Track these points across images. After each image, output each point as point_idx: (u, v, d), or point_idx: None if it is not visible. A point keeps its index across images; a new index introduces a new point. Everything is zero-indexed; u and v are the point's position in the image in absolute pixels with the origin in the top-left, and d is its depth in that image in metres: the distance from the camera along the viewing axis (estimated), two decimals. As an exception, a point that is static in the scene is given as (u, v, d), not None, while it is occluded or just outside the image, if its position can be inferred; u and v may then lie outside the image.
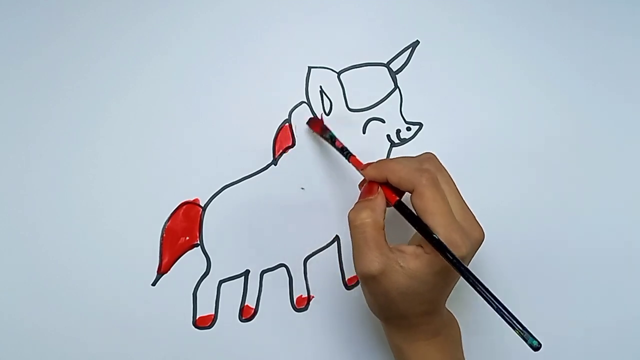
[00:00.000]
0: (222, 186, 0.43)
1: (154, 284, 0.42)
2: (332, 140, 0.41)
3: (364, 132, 0.44)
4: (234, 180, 0.43)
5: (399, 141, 0.44)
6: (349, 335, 0.44)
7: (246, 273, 0.43)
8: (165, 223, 0.42)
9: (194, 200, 0.43)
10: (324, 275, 0.44)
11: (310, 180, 0.44)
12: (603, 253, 0.46)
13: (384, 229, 0.35)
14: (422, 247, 0.35)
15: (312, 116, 0.43)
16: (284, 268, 0.44)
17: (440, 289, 0.36)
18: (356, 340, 0.44)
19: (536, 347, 0.30)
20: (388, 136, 0.44)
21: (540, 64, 0.45)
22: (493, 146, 0.45)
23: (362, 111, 0.44)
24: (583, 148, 0.46)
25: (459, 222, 0.34)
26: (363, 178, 0.39)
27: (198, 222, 0.43)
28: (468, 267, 0.35)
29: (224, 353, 0.43)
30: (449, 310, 0.39)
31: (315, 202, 0.44)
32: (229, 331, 0.43)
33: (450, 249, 0.33)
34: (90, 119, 0.42)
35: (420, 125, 0.44)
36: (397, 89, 0.44)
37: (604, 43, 0.46)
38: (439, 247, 0.33)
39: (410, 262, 0.34)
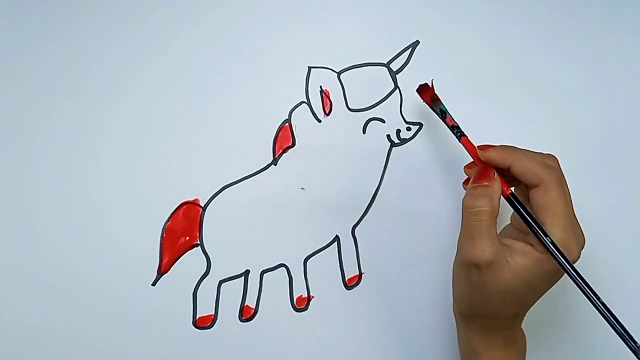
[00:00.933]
0: (222, 186, 0.43)
1: (154, 284, 0.42)
2: (443, 115, 0.40)
3: (364, 132, 0.44)
4: (234, 180, 0.43)
5: (399, 141, 0.44)
6: (349, 335, 0.44)
7: (246, 273, 0.43)
8: (165, 223, 0.42)
9: (194, 200, 0.43)
10: (324, 275, 0.44)
11: (310, 180, 0.44)
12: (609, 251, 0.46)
13: (497, 218, 0.35)
14: (531, 244, 0.34)
15: (423, 82, 0.41)
16: (284, 268, 0.44)
17: (538, 292, 0.35)
18: (356, 340, 0.44)
19: None
20: (388, 136, 0.44)
21: (540, 63, 0.45)
22: (493, 146, 0.45)
23: (362, 111, 0.44)
24: (585, 146, 0.45)
25: (574, 226, 0.34)
26: (470, 161, 0.38)
27: (198, 222, 0.43)
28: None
29: (224, 353, 0.43)
30: None
31: (315, 202, 0.44)
32: (229, 331, 0.43)
33: (563, 251, 0.33)
34: (90, 119, 0.42)
35: (420, 125, 0.44)
36: (397, 89, 0.44)
37: (606, 42, 0.46)
38: (553, 248, 0.33)
39: (518, 259, 0.34)
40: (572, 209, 0.35)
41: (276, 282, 0.44)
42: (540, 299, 0.36)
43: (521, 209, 0.35)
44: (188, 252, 0.43)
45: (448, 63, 0.45)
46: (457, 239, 0.36)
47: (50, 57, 0.42)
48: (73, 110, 0.42)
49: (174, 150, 0.43)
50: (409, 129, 0.44)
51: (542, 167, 0.35)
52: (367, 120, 0.44)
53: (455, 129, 0.39)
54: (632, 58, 0.46)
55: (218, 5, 0.43)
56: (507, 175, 0.36)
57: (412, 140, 0.44)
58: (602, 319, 0.32)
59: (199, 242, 0.43)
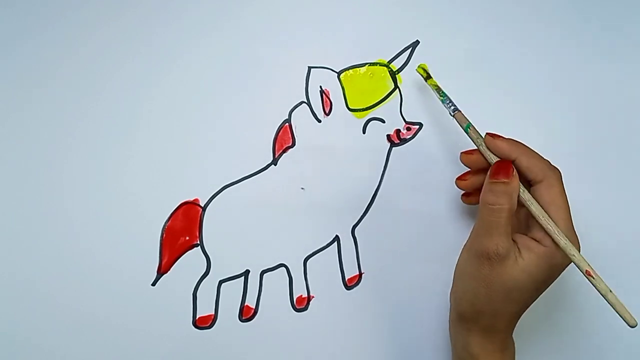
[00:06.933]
0: (222, 186, 0.43)
1: (154, 284, 0.42)
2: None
3: (364, 132, 0.44)
4: (234, 180, 0.43)
5: (399, 141, 0.44)
6: (349, 335, 0.44)
7: (246, 273, 0.43)
8: (165, 223, 0.42)
9: (194, 200, 0.43)
10: (324, 275, 0.44)
11: (310, 180, 0.44)
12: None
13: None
14: (535, 239, 0.35)
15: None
16: (284, 268, 0.44)
17: (540, 290, 0.36)
18: (356, 340, 0.44)
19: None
20: (388, 136, 0.44)
21: (540, 62, 0.45)
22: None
23: (362, 111, 0.44)
24: (586, 147, 0.45)
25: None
26: (472, 149, 0.39)
27: (198, 222, 0.43)
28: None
29: (224, 353, 0.43)
30: None
31: (315, 202, 0.44)
32: (229, 331, 0.43)
33: (572, 244, 0.34)
34: (90, 119, 0.42)
35: (420, 125, 0.44)
36: (397, 89, 0.44)
37: (608, 41, 0.46)
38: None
39: (525, 254, 0.35)
40: None
41: (276, 282, 0.44)
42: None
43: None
44: (188, 252, 0.43)
45: (448, 63, 0.45)
46: (470, 232, 0.37)
47: (54, 57, 0.42)
48: (74, 110, 0.42)
49: (174, 150, 0.43)
50: (409, 129, 0.44)
51: (546, 163, 0.36)
52: (367, 120, 0.44)
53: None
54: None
55: (218, 5, 0.43)
56: None
57: (412, 140, 0.44)
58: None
59: (198, 242, 0.43)
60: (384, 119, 0.44)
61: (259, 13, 0.44)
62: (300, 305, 0.44)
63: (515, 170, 0.36)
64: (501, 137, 0.37)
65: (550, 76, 0.45)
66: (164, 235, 0.42)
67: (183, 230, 0.42)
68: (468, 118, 0.39)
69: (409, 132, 0.44)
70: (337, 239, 0.44)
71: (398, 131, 0.44)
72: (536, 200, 0.36)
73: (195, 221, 0.43)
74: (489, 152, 0.37)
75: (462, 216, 0.44)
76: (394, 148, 0.44)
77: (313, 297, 0.44)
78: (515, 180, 0.36)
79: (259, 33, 0.44)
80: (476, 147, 0.38)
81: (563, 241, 0.34)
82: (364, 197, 0.44)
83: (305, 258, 0.44)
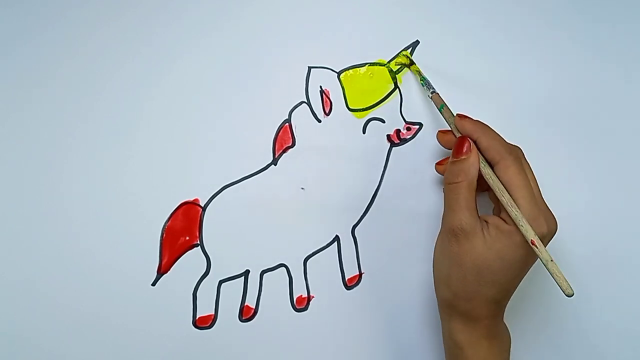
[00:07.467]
0: (222, 186, 0.43)
1: (154, 284, 0.42)
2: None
3: (364, 132, 0.44)
4: (234, 180, 0.43)
5: (399, 141, 0.44)
6: (349, 335, 0.44)
7: (246, 273, 0.43)
8: (165, 223, 0.42)
9: (194, 200, 0.43)
10: (324, 275, 0.44)
11: (310, 180, 0.44)
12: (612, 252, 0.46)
13: (475, 190, 0.37)
14: (504, 220, 0.36)
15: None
16: (284, 268, 0.44)
17: (514, 271, 0.36)
18: (356, 340, 0.44)
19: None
20: (388, 136, 0.44)
21: (540, 63, 0.45)
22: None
23: (362, 111, 0.44)
24: (586, 148, 0.45)
25: (540, 204, 0.36)
26: (443, 129, 0.41)
27: (198, 222, 0.43)
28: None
29: (224, 353, 0.43)
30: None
31: (315, 202, 0.44)
32: (229, 331, 0.43)
33: (532, 224, 0.34)
34: (90, 119, 0.42)
35: (420, 125, 0.44)
36: (397, 89, 0.44)
37: (609, 41, 0.46)
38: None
39: (492, 231, 0.35)
40: (539, 192, 0.37)
41: (276, 282, 0.44)
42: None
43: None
44: (188, 252, 0.43)
45: (448, 63, 0.45)
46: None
47: (53, 59, 0.42)
48: (73, 110, 0.42)
49: (174, 150, 0.43)
50: (409, 129, 0.44)
51: (504, 145, 0.37)
52: (367, 120, 0.44)
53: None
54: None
55: (218, 5, 0.43)
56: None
57: (412, 140, 0.44)
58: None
59: (198, 242, 0.43)
60: (384, 119, 0.44)
61: (259, 13, 0.44)
62: (300, 305, 0.44)
63: (472, 145, 0.37)
64: (468, 118, 0.39)
65: (551, 76, 0.45)
66: (164, 235, 0.42)
67: (183, 230, 0.42)
68: (444, 100, 0.41)
69: (409, 132, 0.44)
70: (337, 239, 0.44)
71: (398, 131, 0.44)
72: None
73: (195, 221, 0.43)
74: (457, 131, 0.39)
75: (462, 216, 0.44)
76: (394, 148, 0.44)
77: (313, 297, 0.44)
78: (472, 155, 0.37)
79: (259, 33, 0.44)
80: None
81: (514, 212, 0.35)
82: (364, 197, 0.44)
83: (305, 258, 0.44)
